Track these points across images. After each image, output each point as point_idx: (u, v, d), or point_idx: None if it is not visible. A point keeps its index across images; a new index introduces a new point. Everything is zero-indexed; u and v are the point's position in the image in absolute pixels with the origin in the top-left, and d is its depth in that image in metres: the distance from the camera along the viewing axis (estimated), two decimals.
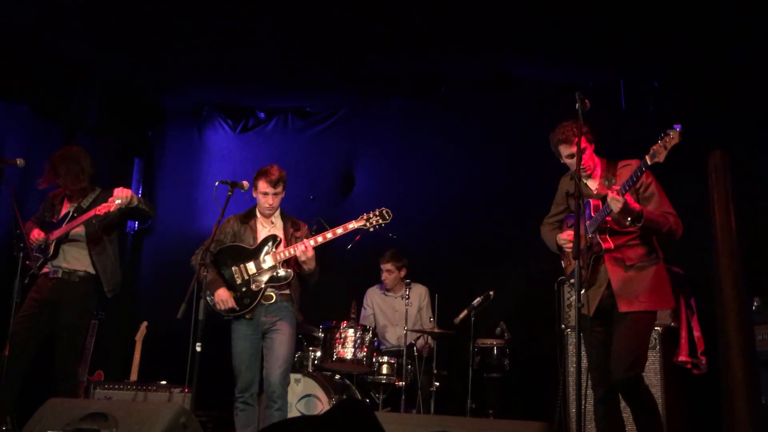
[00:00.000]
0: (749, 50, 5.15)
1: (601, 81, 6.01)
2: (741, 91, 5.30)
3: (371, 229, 4.35)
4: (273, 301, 4.37)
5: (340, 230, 4.34)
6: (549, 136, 3.82)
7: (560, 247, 3.89)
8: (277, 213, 4.56)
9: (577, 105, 3.40)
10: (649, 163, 3.31)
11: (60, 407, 3.08)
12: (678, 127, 3.19)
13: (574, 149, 3.61)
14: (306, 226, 4.56)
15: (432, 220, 6.46)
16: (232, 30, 5.53)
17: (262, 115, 7.24)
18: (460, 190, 6.47)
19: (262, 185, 4.43)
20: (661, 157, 3.26)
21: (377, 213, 4.35)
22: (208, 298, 4.34)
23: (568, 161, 3.78)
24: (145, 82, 6.74)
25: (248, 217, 4.56)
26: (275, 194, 4.44)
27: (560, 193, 4.02)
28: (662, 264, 3.69)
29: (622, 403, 3.69)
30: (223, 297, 4.32)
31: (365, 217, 4.35)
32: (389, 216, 4.36)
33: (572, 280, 3.75)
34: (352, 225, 4.34)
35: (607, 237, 3.60)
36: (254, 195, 4.51)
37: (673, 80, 5.77)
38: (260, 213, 4.55)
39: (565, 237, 3.81)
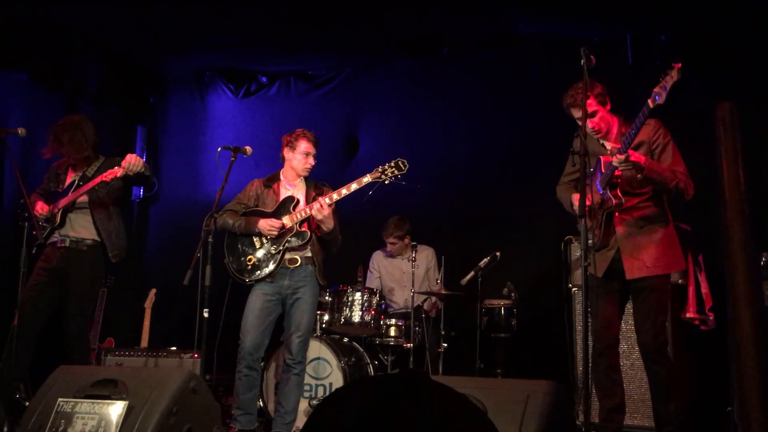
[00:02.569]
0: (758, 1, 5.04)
1: (607, 36, 5.89)
2: (749, 43, 5.20)
3: (387, 182, 4.20)
4: (298, 264, 4.33)
5: (354, 185, 4.21)
6: (561, 98, 3.76)
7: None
8: (302, 177, 4.51)
9: (582, 61, 3.34)
10: (651, 106, 3.27)
11: (70, 374, 3.10)
12: (677, 65, 3.14)
13: (589, 110, 3.60)
14: (328, 189, 4.40)
15: (437, 181, 6.42)
16: None
17: (264, 79, 7.17)
18: (465, 150, 6.42)
19: (305, 145, 4.38)
20: (662, 99, 3.21)
21: (392, 164, 4.19)
22: (228, 261, 4.36)
23: (581, 123, 3.73)
24: (146, 47, 6.66)
25: (271, 180, 4.52)
26: (314, 155, 4.41)
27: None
28: (672, 227, 3.69)
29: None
30: (269, 224, 4.27)
31: (380, 169, 4.20)
32: (405, 166, 4.19)
33: (589, 240, 3.75)
34: (367, 179, 4.20)
35: (618, 193, 3.57)
36: (288, 156, 4.44)
37: (680, 34, 5.66)
38: (286, 176, 4.49)
39: (577, 197, 3.76)
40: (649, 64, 5.78)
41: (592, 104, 3.63)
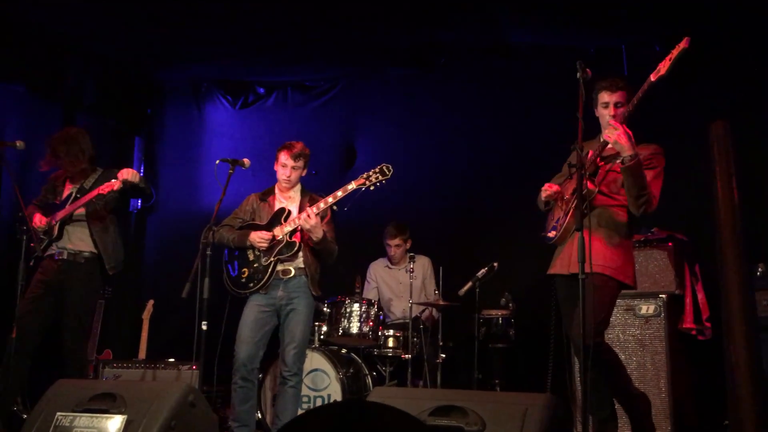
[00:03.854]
0: (752, 13, 5.07)
1: (602, 46, 5.93)
2: (745, 54, 5.23)
3: (372, 188, 4.23)
4: (292, 275, 4.35)
5: (339, 193, 4.25)
6: (595, 82, 3.67)
7: (546, 203, 3.83)
8: (297, 188, 4.54)
9: (578, 74, 3.36)
10: (653, 79, 3.24)
11: (68, 388, 3.10)
12: (686, 38, 3.10)
13: (615, 98, 3.57)
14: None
15: (435, 192, 6.45)
16: (229, 3, 5.47)
17: (262, 90, 7.19)
18: (462, 161, 6.44)
19: (283, 156, 4.42)
20: (663, 69, 3.17)
21: (377, 170, 4.23)
22: (225, 275, 4.38)
23: (602, 111, 3.65)
24: (143, 58, 6.69)
25: (267, 194, 4.56)
26: (294, 167, 4.42)
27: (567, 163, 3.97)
28: (631, 244, 3.67)
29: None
30: (259, 236, 4.31)
31: (365, 175, 4.23)
32: (389, 171, 4.22)
33: (549, 233, 3.74)
34: (352, 186, 4.24)
35: (595, 180, 3.54)
36: (275, 168, 4.50)
37: (675, 44, 5.69)
38: (280, 189, 4.54)
39: (546, 186, 3.74)
40: (645, 74, 5.81)
41: (622, 95, 3.59)
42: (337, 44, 6.25)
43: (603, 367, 3.54)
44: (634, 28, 5.67)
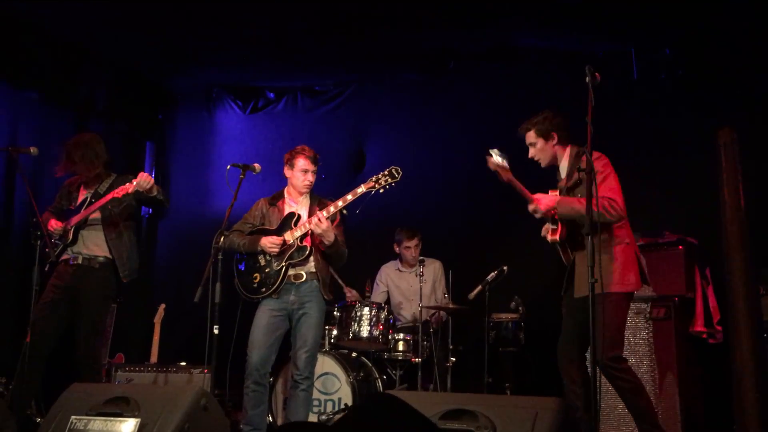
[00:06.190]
0: (761, 20, 5.06)
1: (611, 50, 5.93)
2: (752, 60, 5.22)
3: (381, 190, 4.23)
4: (303, 279, 4.37)
5: (349, 196, 4.25)
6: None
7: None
8: (305, 193, 4.56)
9: (587, 78, 3.38)
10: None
11: (83, 392, 3.15)
12: None
13: (528, 141, 3.84)
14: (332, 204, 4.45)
15: (444, 196, 6.46)
16: (238, 9, 5.52)
17: (272, 95, 7.23)
18: (471, 164, 6.42)
19: (303, 162, 4.42)
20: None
21: (386, 173, 4.22)
22: (236, 280, 4.42)
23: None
24: (154, 64, 6.74)
25: (276, 198, 4.57)
26: (314, 171, 4.45)
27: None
28: (621, 248, 3.64)
29: None
30: (270, 241, 4.33)
31: (374, 178, 4.23)
32: (398, 174, 4.21)
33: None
34: (361, 189, 4.24)
35: (557, 227, 3.70)
36: (288, 174, 4.50)
37: (685, 47, 5.69)
38: (290, 193, 4.55)
39: (545, 233, 3.82)
40: (654, 77, 5.82)
41: (531, 135, 3.73)
42: (346, 49, 6.28)
43: (617, 385, 3.57)
44: (643, 31, 5.67)
